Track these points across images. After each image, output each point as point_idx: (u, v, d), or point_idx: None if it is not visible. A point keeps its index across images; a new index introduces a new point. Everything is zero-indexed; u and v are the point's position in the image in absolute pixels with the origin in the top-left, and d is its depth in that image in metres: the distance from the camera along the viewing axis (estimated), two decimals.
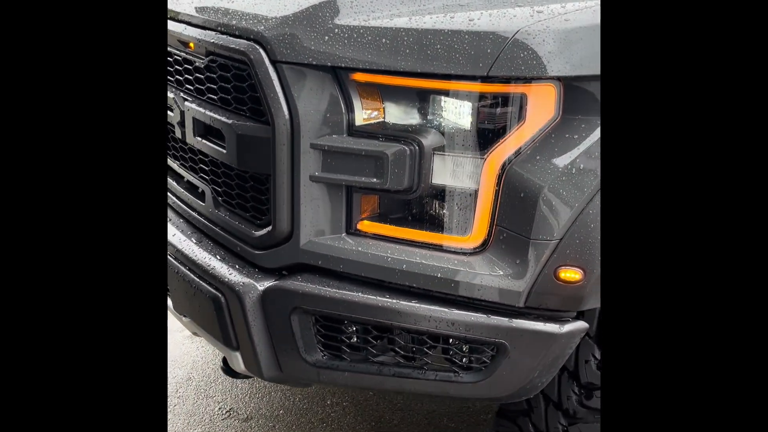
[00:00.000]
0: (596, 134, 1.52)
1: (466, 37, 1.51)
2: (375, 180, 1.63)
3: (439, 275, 1.62)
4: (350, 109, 1.66)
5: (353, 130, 1.66)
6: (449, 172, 1.62)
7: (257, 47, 1.67)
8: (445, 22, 1.56)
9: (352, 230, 1.74)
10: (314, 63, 1.61)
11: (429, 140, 1.61)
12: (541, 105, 1.54)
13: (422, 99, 1.64)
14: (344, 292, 1.70)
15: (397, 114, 1.67)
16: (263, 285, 1.78)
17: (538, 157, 1.54)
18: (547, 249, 1.55)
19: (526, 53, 1.48)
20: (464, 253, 1.65)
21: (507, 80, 1.52)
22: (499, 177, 1.57)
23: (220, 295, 1.83)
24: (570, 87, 1.53)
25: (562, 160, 1.54)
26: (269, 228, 1.77)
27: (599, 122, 1.53)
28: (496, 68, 1.49)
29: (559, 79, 1.51)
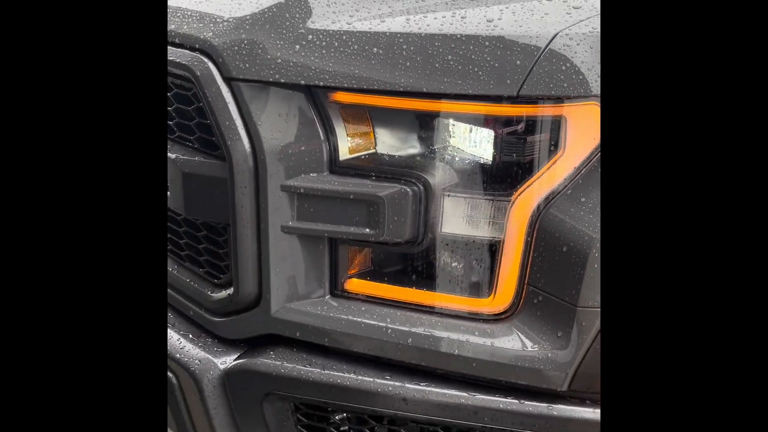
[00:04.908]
0: None
1: (486, 44, 1.13)
2: (367, 231, 1.25)
3: (455, 351, 1.25)
4: (332, 139, 1.27)
5: (336, 167, 1.27)
6: (465, 218, 1.25)
7: (205, 60, 1.27)
8: (455, 24, 1.18)
9: (338, 291, 1.36)
10: (282, 80, 1.22)
11: (437, 178, 1.24)
12: (584, 129, 1.18)
13: (427, 125, 1.26)
14: (332, 373, 1.32)
15: (393, 144, 1.29)
16: (225, 362, 1.39)
17: (583, 199, 1.18)
18: (599, 318, 1.19)
19: (565, 65, 1.11)
20: (486, 320, 1.28)
21: (540, 100, 1.15)
22: (532, 224, 1.21)
23: (170, 375, 1.44)
24: None
25: None
26: (230, 290, 1.38)
27: None
28: (528, 86, 1.12)
29: None
